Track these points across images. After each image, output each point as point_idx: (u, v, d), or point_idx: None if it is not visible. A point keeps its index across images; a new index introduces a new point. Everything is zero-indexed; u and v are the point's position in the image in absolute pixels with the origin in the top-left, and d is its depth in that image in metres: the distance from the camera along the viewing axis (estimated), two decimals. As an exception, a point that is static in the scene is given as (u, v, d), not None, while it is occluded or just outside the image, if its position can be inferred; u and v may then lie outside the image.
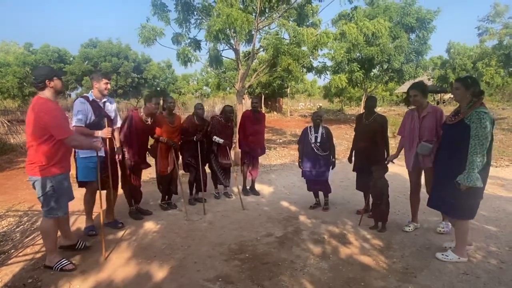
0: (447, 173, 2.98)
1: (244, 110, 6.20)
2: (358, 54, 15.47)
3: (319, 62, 9.60)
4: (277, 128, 17.72)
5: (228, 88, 26.62)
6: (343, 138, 13.06)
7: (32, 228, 3.96)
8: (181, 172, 5.05)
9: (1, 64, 23.33)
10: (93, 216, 3.90)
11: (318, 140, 4.50)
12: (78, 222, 4.10)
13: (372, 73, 17.16)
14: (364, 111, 4.55)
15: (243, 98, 8.56)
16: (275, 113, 26.87)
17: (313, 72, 9.39)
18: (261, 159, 6.14)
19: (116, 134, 3.87)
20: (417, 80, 22.45)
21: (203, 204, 4.63)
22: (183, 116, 7.91)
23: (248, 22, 6.39)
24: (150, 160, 4.52)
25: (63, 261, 2.93)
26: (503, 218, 4.25)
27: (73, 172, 3.31)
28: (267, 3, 7.57)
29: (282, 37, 7.88)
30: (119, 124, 3.94)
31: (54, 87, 2.78)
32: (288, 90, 26.66)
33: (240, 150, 5.55)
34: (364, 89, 18.47)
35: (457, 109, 3.09)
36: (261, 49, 8.63)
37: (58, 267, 2.89)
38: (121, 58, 25.23)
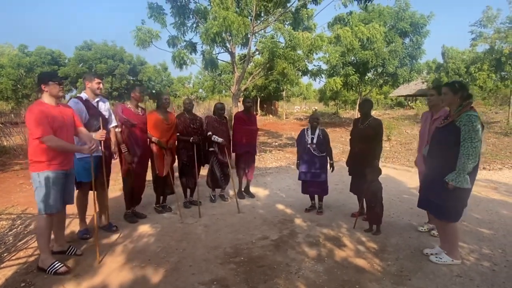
0: (434, 175, 3.00)
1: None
2: (353, 58, 15.65)
3: (314, 65, 9.67)
4: (272, 131, 17.75)
5: (223, 91, 26.67)
6: (338, 141, 13.12)
7: (25, 232, 3.91)
8: (176, 174, 5.04)
9: (-5, 66, 23.20)
10: (87, 220, 3.87)
11: (315, 141, 4.53)
12: (72, 225, 4.06)
13: (367, 77, 17.32)
14: (360, 115, 4.58)
15: (239, 101, 8.57)
16: (270, 116, 26.94)
17: (308, 75, 9.44)
18: (256, 162, 6.14)
19: (112, 134, 3.86)
20: (411, 84, 22.77)
21: (198, 207, 4.62)
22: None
23: (244, 26, 6.43)
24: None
25: (56, 264, 2.90)
26: (496, 221, 4.31)
27: None
28: (263, 7, 7.63)
29: (277, 40, 7.93)
30: (114, 123, 3.93)
31: (49, 91, 2.90)
32: (284, 93, 26.81)
33: (234, 153, 5.54)
34: (359, 93, 18.61)
35: (448, 114, 3.14)
36: (257, 53, 8.67)
37: (51, 271, 2.86)
38: (117, 60, 25.18)
